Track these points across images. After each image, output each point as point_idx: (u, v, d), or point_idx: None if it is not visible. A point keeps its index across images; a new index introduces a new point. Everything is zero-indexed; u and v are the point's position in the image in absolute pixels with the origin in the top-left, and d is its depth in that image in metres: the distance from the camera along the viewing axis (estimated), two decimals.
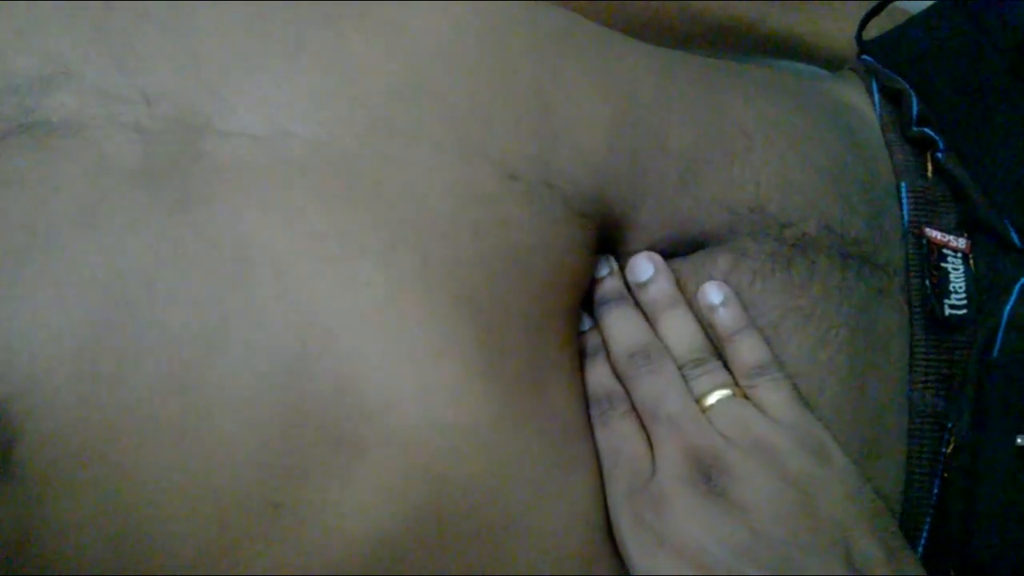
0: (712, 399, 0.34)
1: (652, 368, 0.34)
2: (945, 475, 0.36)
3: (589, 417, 0.35)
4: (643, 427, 0.34)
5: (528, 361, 0.32)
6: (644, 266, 0.37)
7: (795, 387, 0.35)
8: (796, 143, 0.39)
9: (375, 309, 0.29)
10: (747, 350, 0.35)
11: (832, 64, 0.53)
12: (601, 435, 0.34)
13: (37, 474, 0.26)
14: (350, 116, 0.32)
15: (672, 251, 0.38)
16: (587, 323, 0.37)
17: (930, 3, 0.47)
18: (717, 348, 0.36)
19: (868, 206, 0.39)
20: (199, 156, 0.30)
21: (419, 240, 0.31)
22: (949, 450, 0.36)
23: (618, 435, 0.34)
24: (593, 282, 0.37)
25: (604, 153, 0.36)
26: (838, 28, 0.52)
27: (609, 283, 0.37)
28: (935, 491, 0.36)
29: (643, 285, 0.37)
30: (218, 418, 0.27)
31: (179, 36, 0.32)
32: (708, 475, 0.31)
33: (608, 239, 0.37)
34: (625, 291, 0.37)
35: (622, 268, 0.38)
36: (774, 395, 0.34)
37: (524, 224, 0.33)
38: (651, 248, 0.38)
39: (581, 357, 0.36)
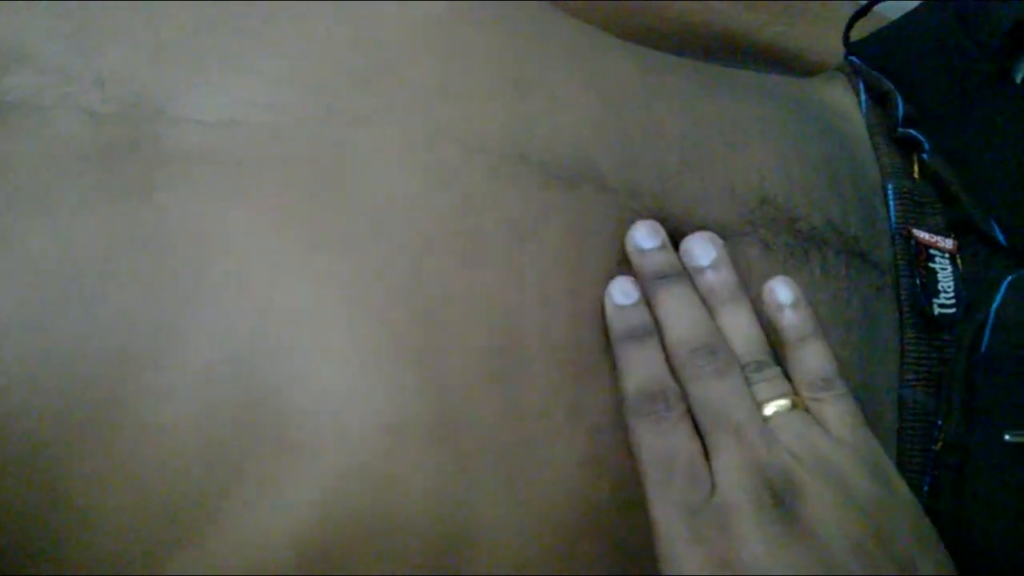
0: (770, 409, 0.31)
1: (718, 369, 0.31)
2: (935, 473, 0.36)
3: (566, 418, 0.31)
4: (698, 433, 0.31)
5: (496, 357, 0.30)
6: (705, 248, 0.33)
7: (859, 404, 0.32)
8: (789, 140, 0.39)
9: (329, 303, 0.28)
10: (813, 358, 0.32)
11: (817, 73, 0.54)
12: (650, 437, 0.30)
13: None
14: (308, 102, 0.31)
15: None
16: (631, 296, 0.32)
17: (916, 3, 0.47)
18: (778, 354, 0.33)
19: (861, 205, 0.39)
20: (152, 140, 0.29)
21: (378, 229, 0.30)
22: (938, 448, 0.36)
23: (672, 439, 0.30)
24: (638, 254, 0.33)
25: (589, 128, 0.34)
26: (822, 34, 0.53)
27: (663, 257, 0.33)
28: (925, 489, 0.36)
29: (702, 270, 0.33)
30: (167, 408, 0.27)
31: (138, 19, 0.31)
32: (780, 496, 0.29)
33: (609, 214, 0.34)
34: (683, 268, 0.33)
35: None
36: (839, 412, 0.31)
37: (494, 200, 0.31)
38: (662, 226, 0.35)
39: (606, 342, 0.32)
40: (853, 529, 0.28)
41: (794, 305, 0.33)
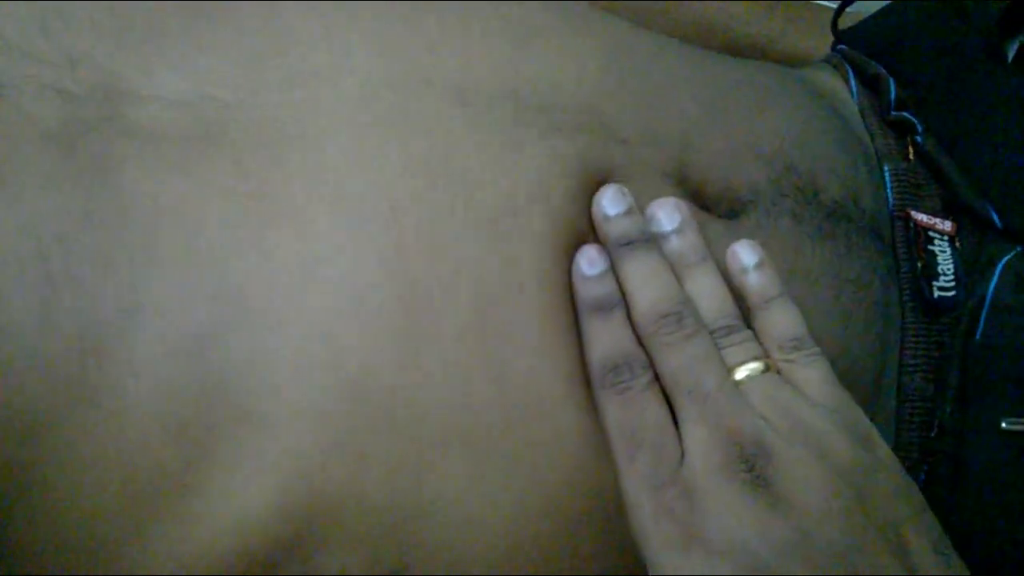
0: (741, 373, 0.30)
1: (686, 334, 0.30)
2: (931, 460, 0.36)
3: (560, 391, 0.30)
4: (667, 401, 0.30)
5: (470, 323, 0.29)
6: (670, 212, 0.32)
7: (831, 365, 0.31)
8: (804, 110, 0.38)
9: (288, 274, 0.28)
10: (782, 320, 0.31)
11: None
12: (615, 409, 0.29)
13: None
14: (268, 77, 0.31)
15: (715, 200, 0.34)
16: (597, 266, 0.31)
17: None
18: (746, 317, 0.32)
19: (871, 183, 0.38)
20: (116, 118, 0.29)
21: (340, 198, 0.29)
22: (934, 434, 0.36)
23: (639, 410, 0.29)
24: (604, 220, 0.32)
25: (595, 74, 0.32)
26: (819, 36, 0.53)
27: (629, 222, 0.31)
28: (922, 477, 0.36)
29: (666, 236, 0.32)
30: (131, 386, 0.26)
31: (98, 2, 0.31)
32: (749, 463, 0.27)
33: (618, 165, 0.32)
34: (650, 234, 0.32)
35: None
36: (812, 373, 0.30)
37: (476, 148, 0.30)
38: (676, 181, 0.33)
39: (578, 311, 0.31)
40: (831, 494, 0.27)
41: (758, 267, 0.32)
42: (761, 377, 0.30)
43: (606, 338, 0.30)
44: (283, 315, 0.28)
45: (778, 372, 0.30)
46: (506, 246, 0.30)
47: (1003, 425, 0.35)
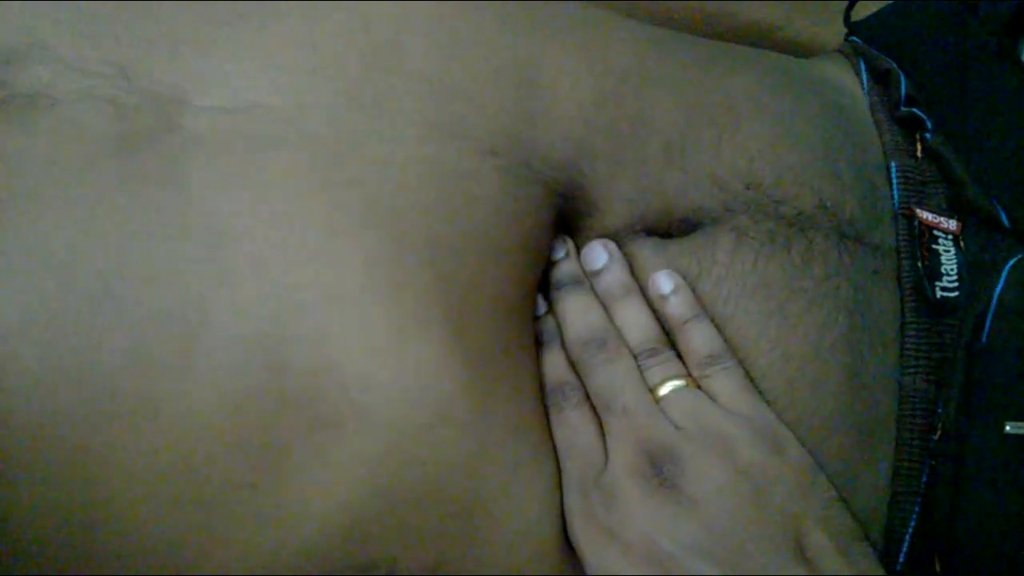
0: (665, 390, 0.33)
1: (607, 357, 0.34)
2: (932, 463, 0.35)
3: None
4: (597, 418, 0.33)
5: (495, 342, 0.32)
6: (598, 253, 0.36)
7: (747, 375, 0.34)
8: (784, 119, 0.38)
9: (350, 288, 0.29)
10: (698, 339, 0.34)
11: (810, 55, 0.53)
12: (555, 426, 0.33)
13: (1, 455, 0.26)
14: (320, 89, 0.32)
15: (666, 229, 0.37)
16: (541, 307, 0.36)
17: None
18: (671, 339, 0.35)
19: (859, 184, 0.38)
20: (173, 129, 0.30)
21: (392, 217, 0.30)
22: (937, 437, 0.35)
23: (571, 426, 0.33)
24: (549, 264, 0.36)
25: (582, 128, 0.35)
26: (826, 25, 0.52)
27: (565, 266, 0.36)
28: (923, 479, 0.35)
29: (597, 273, 0.36)
30: (194, 398, 0.27)
31: (152, 10, 0.32)
32: (660, 468, 0.31)
33: (583, 215, 0.36)
34: (582, 275, 0.36)
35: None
36: (726, 384, 0.33)
37: (497, 202, 0.33)
38: (639, 223, 0.36)
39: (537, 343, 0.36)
40: (732, 493, 0.30)
41: (674, 292, 0.35)
42: (681, 391, 0.33)
43: (546, 367, 0.35)
44: (346, 327, 0.29)
45: (698, 387, 0.34)
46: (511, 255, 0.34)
47: (1007, 429, 0.34)
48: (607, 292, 0.36)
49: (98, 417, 0.27)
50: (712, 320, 0.35)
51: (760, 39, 0.53)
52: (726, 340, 0.35)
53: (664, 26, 0.51)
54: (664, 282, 0.35)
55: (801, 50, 0.53)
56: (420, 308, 0.30)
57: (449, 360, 0.30)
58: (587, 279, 0.36)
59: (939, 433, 0.35)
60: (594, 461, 0.32)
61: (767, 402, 0.34)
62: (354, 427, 0.28)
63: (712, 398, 0.33)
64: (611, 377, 0.33)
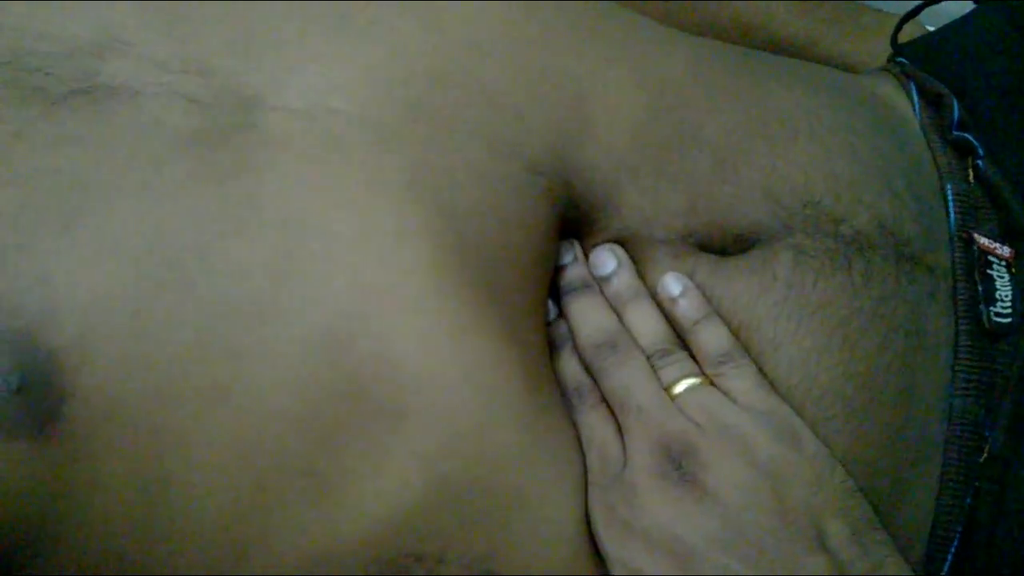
0: (680, 388, 0.34)
1: (620, 359, 0.34)
2: (977, 485, 0.36)
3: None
4: (615, 418, 0.34)
5: (537, 344, 0.34)
6: (606, 259, 0.36)
7: (760, 373, 0.34)
8: (840, 134, 0.38)
9: (415, 288, 0.30)
10: (709, 339, 0.35)
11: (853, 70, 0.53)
12: (577, 426, 0.34)
13: (80, 430, 0.27)
14: (390, 95, 0.32)
15: (720, 246, 0.36)
16: (552, 312, 0.37)
17: (965, 8, 0.47)
18: (683, 341, 0.36)
19: (916, 204, 0.38)
20: (249, 127, 0.30)
21: (454, 224, 0.31)
22: (983, 459, 0.36)
23: (589, 427, 0.34)
24: (557, 270, 0.37)
25: (629, 143, 0.36)
26: (869, 41, 0.52)
27: (574, 271, 0.36)
28: (967, 500, 0.36)
29: (606, 278, 0.36)
30: (263, 385, 0.28)
31: (232, 10, 0.33)
32: (678, 463, 0.31)
33: (595, 221, 0.37)
34: (590, 279, 0.36)
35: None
36: (740, 382, 0.34)
37: (536, 217, 0.34)
38: (691, 236, 0.36)
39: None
40: (751, 487, 0.31)
41: (683, 294, 0.35)
42: (696, 388, 0.34)
43: (561, 370, 0.35)
44: (409, 322, 0.30)
45: (712, 385, 0.34)
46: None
47: None
48: (617, 296, 0.36)
49: (169, 399, 0.27)
50: (772, 338, 0.35)
51: (796, 54, 0.53)
52: (787, 358, 0.35)
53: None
54: (673, 284, 0.35)
55: (837, 67, 0.53)
56: (478, 311, 0.31)
57: (504, 360, 0.31)
58: (596, 283, 0.36)
59: (985, 456, 0.36)
60: (613, 459, 0.33)
61: (782, 398, 0.34)
62: (414, 421, 0.29)
63: (728, 395, 0.34)
64: (624, 377, 0.34)
